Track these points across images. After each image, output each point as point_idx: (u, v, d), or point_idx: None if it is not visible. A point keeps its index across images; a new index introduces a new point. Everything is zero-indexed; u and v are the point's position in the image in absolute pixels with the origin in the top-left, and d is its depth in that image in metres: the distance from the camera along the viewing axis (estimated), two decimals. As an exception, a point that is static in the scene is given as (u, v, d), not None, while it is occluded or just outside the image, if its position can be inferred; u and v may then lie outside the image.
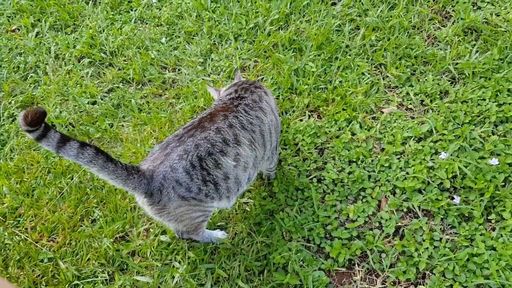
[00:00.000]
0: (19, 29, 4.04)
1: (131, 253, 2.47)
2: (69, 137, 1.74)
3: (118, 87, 3.38)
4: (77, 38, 3.81)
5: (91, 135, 3.07)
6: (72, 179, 2.82)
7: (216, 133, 1.98)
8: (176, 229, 2.29)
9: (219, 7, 3.76)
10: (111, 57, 3.62)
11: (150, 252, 2.43)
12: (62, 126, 3.16)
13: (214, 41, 3.56)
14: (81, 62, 3.61)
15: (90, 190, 2.75)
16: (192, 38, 3.62)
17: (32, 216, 2.69)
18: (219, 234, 2.42)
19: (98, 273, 2.39)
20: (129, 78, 3.43)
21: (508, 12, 3.14)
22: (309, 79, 3.09)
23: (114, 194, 2.69)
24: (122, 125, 3.13)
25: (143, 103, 3.24)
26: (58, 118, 3.20)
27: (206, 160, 1.93)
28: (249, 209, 2.53)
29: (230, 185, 2.05)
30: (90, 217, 2.66)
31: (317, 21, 3.42)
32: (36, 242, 2.57)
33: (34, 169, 2.92)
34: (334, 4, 3.58)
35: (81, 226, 2.61)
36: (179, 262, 2.37)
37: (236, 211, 2.55)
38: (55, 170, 2.88)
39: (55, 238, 2.60)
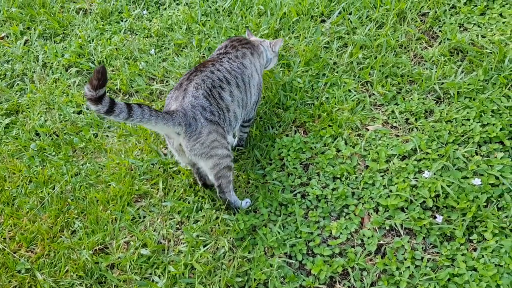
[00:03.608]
0: (7, 37, 4.03)
1: (110, 266, 2.43)
2: (115, 102, 1.97)
3: (105, 97, 3.36)
4: (65, 47, 3.80)
5: (75, 144, 3.04)
6: (53, 189, 2.79)
7: (211, 73, 2.40)
8: (212, 174, 2.44)
9: (209, 20, 3.78)
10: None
11: (130, 266, 2.39)
12: (46, 135, 3.13)
13: (203, 54, 3.56)
14: (69, 71, 3.59)
15: (71, 201, 2.71)
16: (181, 50, 3.63)
17: (11, 226, 2.64)
18: (244, 202, 2.61)
19: (76, 285, 2.35)
20: (116, 89, 3.41)
21: (494, 34, 3.19)
22: (296, 94, 3.10)
23: (96, 205, 2.65)
24: (107, 136, 3.11)
25: (129, 114, 3.21)
26: (43, 126, 3.17)
27: (213, 91, 2.34)
28: (231, 224, 2.51)
29: (231, 118, 2.44)
30: (70, 228, 2.62)
31: (306, 38, 3.45)
32: (14, 253, 2.52)
33: (15, 178, 2.88)
34: (323, 21, 3.61)
35: (61, 237, 2.57)
36: (159, 277, 2.34)
37: (218, 225, 2.53)
38: (37, 179, 2.84)
39: (34, 249, 2.55)
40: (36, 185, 2.82)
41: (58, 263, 2.45)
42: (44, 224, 2.63)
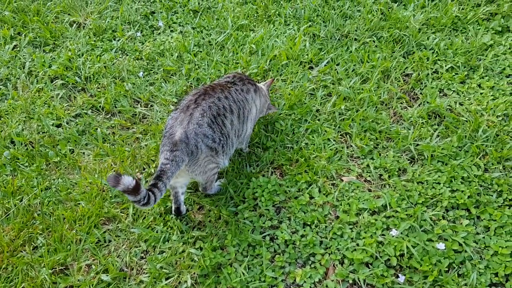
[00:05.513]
0: (-4, 39, 4.00)
1: (68, 288, 2.39)
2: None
3: (86, 113, 3.35)
4: (54, 58, 3.79)
5: (50, 158, 3.00)
6: (21, 200, 2.74)
7: (218, 100, 2.56)
8: (200, 183, 2.74)
9: (201, 51, 3.84)
10: (85, 82, 3.60)
11: (88, 290, 2.35)
12: (21, 144, 3.08)
13: (191, 83, 3.60)
14: (54, 82, 3.58)
15: (37, 215, 2.66)
16: (170, 77, 3.66)
17: (-30, 234, 2.57)
18: (218, 183, 2.86)
19: (30, 305, 2.29)
20: (99, 106, 3.41)
21: (471, 103, 3.33)
22: (277, 136, 3.15)
23: (62, 223, 2.61)
24: (83, 153, 3.09)
25: (109, 134, 3.21)
26: (19, 135, 3.13)
27: (217, 119, 2.50)
28: (197, 259, 2.50)
29: (229, 143, 2.61)
30: (32, 243, 2.56)
31: (292, 82, 3.53)
32: (-30, 262, 2.45)
33: (-17, 185, 2.82)
34: (311, 68, 3.71)
35: (22, 251, 2.52)
36: (117, 305, 2.30)
37: (183, 258, 2.51)
38: (5, 189, 2.79)
39: (-9, 261, 2.49)
40: (4, 194, 2.77)
41: (15, 279, 2.39)
42: (6, 236, 2.57)
